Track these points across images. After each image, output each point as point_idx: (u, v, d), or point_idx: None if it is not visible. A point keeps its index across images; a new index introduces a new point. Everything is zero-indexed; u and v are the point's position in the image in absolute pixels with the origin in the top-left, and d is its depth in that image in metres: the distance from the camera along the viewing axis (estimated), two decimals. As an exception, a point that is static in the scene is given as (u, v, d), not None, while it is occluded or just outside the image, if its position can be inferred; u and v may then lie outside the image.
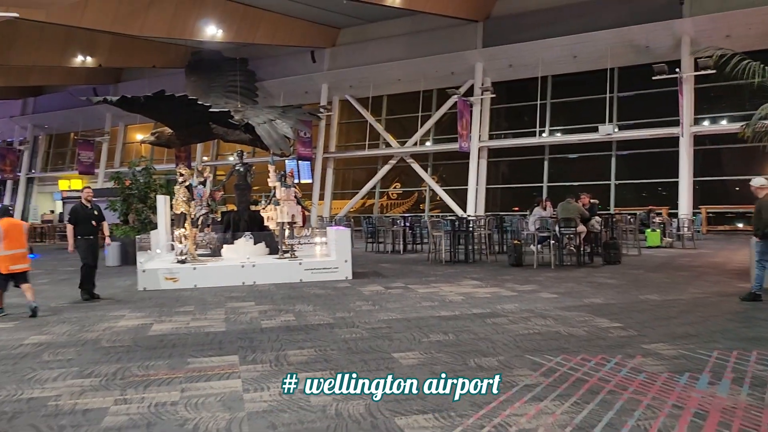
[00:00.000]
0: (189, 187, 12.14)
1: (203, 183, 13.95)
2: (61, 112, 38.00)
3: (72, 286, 11.86)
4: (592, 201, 14.00)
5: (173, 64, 30.52)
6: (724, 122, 22.81)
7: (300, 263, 11.78)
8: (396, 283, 11.10)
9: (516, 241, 13.50)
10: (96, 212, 9.94)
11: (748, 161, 22.00)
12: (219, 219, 14.59)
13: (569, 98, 25.95)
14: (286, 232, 12.66)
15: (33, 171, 41.09)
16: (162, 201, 13.93)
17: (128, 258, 15.18)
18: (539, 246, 13.49)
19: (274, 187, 12.72)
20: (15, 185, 40.54)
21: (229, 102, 24.08)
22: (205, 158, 34.94)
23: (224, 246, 13.27)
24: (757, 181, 8.71)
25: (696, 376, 5.02)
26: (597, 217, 13.72)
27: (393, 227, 17.99)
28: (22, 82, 33.11)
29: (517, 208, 25.55)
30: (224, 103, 22.71)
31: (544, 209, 14.63)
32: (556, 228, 12.83)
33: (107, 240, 10.64)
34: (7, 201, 40.54)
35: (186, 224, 12.20)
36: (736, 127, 21.66)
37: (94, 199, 10.14)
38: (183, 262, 11.72)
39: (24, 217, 38.90)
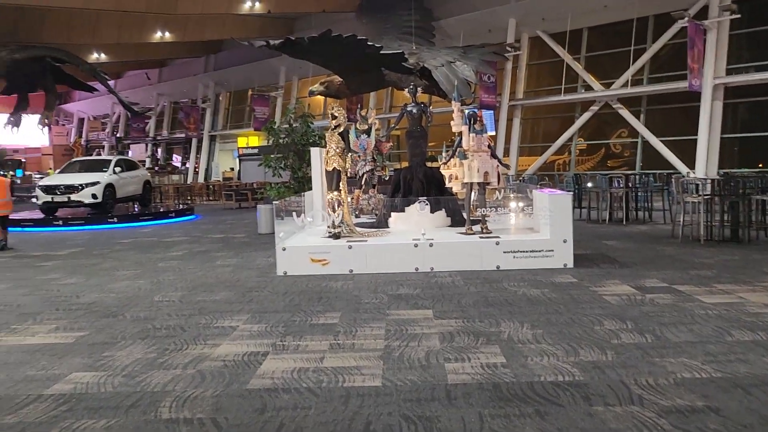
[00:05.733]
0: (343, 135, 8.93)
1: (367, 132, 10.77)
2: (239, 68, 37.48)
3: (206, 262, 9.36)
4: None
5: (344, 8, 27.71)
6: None
7: (497, 243, 8.14)
8: (650, 280, 7.06)
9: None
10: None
11: None
12: (386, 178, 11.40)
13: None
14: (474, 197, 9.06)
15: (215, 128, 41.53)
16: (316, 154, 10.99)
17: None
18: None
19: (460, 134, 9.10)
20: (199, 143, 41.30)
21: (403, 45, 21.14)
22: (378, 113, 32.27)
23: (392, 215, 10.03)
24: None
25: None
26: None
27: (611, 189, 13.60)
28: (198, 37, 32.55)
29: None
30: (398, 46, 19.96)
31: None
32: None
33: None
34: (191, 158, 41.63)
35: (342, 185, 9.10)
36: None
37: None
38: (336, 236, 8.65)
39: (207, 176, 39.63)
